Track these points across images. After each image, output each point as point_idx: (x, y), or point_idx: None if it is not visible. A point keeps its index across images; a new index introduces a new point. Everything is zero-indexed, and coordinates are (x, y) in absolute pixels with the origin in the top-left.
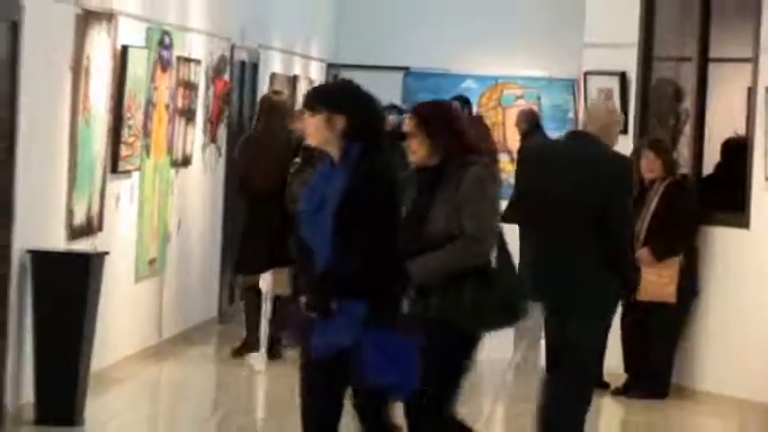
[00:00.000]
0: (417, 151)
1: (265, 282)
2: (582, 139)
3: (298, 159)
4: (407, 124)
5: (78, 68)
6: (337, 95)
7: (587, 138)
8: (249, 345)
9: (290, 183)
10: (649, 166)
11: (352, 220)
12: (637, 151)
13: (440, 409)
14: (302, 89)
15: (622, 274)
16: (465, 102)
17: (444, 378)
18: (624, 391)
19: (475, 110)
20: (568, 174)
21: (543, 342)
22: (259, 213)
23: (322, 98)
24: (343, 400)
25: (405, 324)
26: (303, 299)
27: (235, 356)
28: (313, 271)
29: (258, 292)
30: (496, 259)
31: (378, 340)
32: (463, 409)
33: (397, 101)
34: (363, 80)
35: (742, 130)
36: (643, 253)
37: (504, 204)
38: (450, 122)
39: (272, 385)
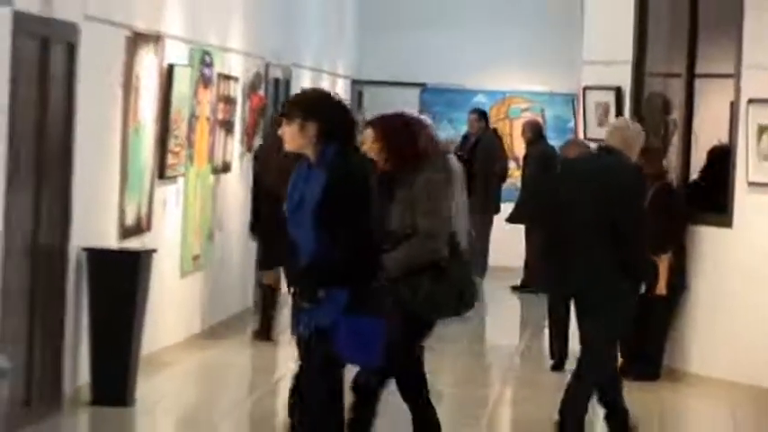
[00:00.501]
0: (378, 157)
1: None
2: (604, 153)
3: None
4: (369, 134)
5: (128, 85)
6: (309, 103)
7: (609, 151)
8: (261, 334)
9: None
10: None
11: (331, 216)
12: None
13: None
14: None
15: (637, 276)
16: (482, 114)
17: (400, 358)
18: (620, 374)
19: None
20: (587, 183)
21: (546, 331)
22: (274, 213)
23: (296, 106)
24: (333, 375)
25: (380, 309)
26: (293, 289)
27: (255, 339)
28: (298, 264)
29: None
30: (449, 254)
31: (352, 323)
32: (475, 392)
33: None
34: (384, 95)
35: (725, 140)
36: None
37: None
38: (404, 132)
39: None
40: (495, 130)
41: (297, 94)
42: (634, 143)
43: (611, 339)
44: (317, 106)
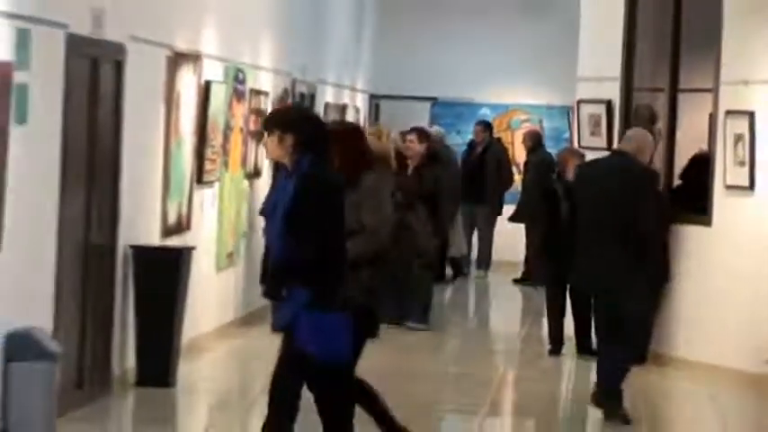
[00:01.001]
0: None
1: None
2: (619, 157)
3: None
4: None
5: (170, 100)
6: (286, 118)
7: (623, 155)
8: None
9: None
10: None
11: (297, 221)
12: None
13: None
14: (350, 115)
15: (652, 266)
16: (487, 125)
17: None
18: None
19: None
20: (606, 184)
21: (545, 320)
22: None
23: (274, 121)
24: (300, 368)
25: (343, 306)
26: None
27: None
28: (269, 264)
29: None
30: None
31: (314, 319)
32: (480, 373)
33: (426, 125)
34: (399, 108)
35: (705, 148)
36: None
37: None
38: (354, 142)
39: None
40: (499, 140)
41: (275, 110)
42: (647, 150)
43: (638, 321)
44: (293, 121)
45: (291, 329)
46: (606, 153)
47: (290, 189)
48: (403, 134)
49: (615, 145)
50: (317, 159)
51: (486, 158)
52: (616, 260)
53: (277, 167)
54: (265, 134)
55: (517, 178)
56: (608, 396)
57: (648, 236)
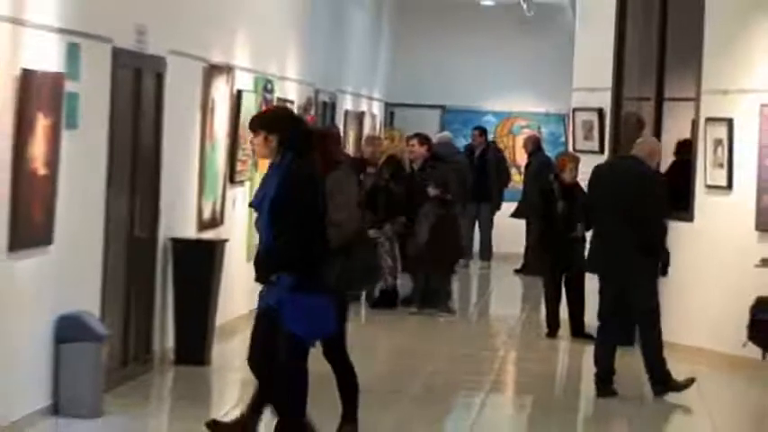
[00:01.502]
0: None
1: None
2: (630, 160)
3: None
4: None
5: (205, 107)
6: (271, 119)
7: (635, 159)
8: None
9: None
10: None
11: (282, 211)
12: None
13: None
14: (367, 122)
15: (657, 255)
16: (483, 131)
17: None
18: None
19: (492, 136)
20: (618, 185)
21: (542, 306)
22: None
23: (260, 122)
24: (285, 347)
25: (325, 288)
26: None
27: None
28: (258, 251)
29: None
30: (357, 239)
31: (299, 301)
32: (485, 353)
33: (437, 131)
34: (411, 115)
35: (688, 135)
36: None
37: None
38: (333, 141)
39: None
40: (495, 143)
41: (261, 113)
42: (655, 154)
43: (651, 302)
44: (277, 122)
45: (277, 311)
46: (605, 156)
47: (275, 182)
48: (407, 139)
49: (607, 148)
50: (300, 156)
51: (487, 160)
52: (625, 248)
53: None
54: (252, 135)
55: (518, 178)
56: (602, 376)
57: (654, 229)
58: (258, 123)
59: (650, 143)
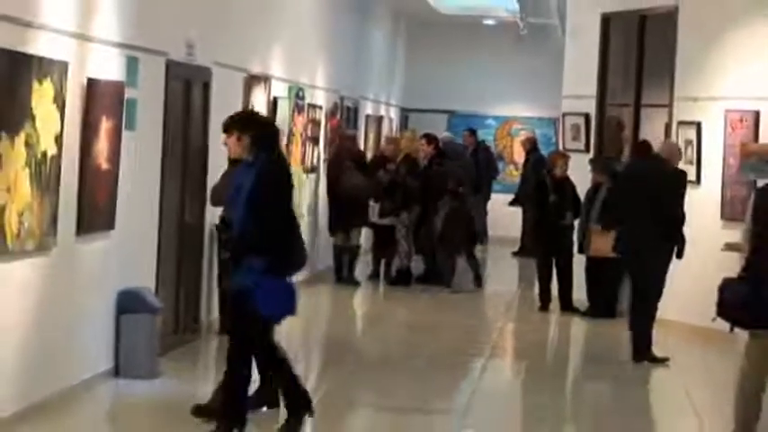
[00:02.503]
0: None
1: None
2: (656, 160)
3: (390, 167)
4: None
5: None
6: (243, 121)
7: (659, 159)
8: (339, 280)
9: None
10: (599, 172)
11: (258, 202)
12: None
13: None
14: (385, 125)
15: (676, 240)
16: (473, 132)
17: None
18: (587, 314)
19: (492, 137)
20: (646, 180)
21: (536, 284)
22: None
23: (234, 123)
24: (254, 327)
25: (292, 273)
26: (227, 256)
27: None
28: (231, 237)
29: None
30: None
31: (269, 284)
32: (484, 325)
33: (443, 132)
34: (423, 119)
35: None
36: (596, 226)
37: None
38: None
39: (366, 307)
40: (483, 143)
41: (234, 114)
42: (676, 154)
43: (662, 281)
44: (249, 123)
45: (247, 293)
46: (591, 154)
47: (251, 176)
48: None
49: (592, 148)
50: (270, 153)
51: (479, 158)
52: (649, 234)
53: (232, 163)
54: (225, 135)
55: (515, 173)
56: (639, 349)
57: (674, 219)
58: (231, 124)
59: (672, 145)
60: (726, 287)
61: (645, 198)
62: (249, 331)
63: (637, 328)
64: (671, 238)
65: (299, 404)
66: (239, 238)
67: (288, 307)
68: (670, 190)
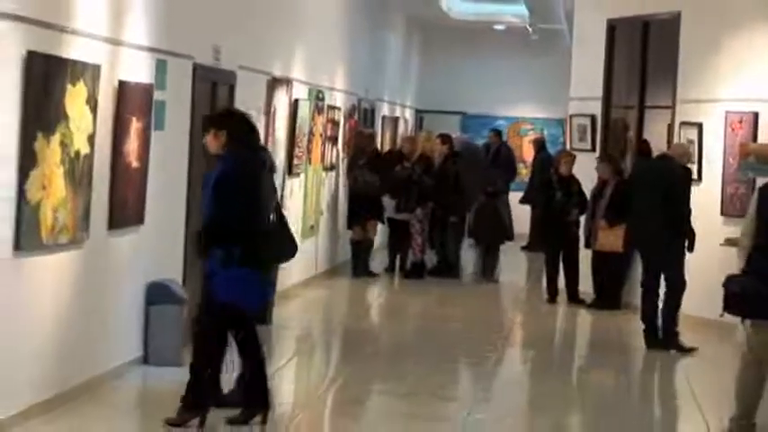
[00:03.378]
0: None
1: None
2: (668, 160)
3: (407, 164)
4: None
5: (269, 113)
6: (219, 119)
7: (671, 158)
8: (356, 273)
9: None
10: (604, 171)
11: (221, 193)
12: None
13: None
14: (401, 125)
15: (685, 234)
16: (498, 133)
17: None
18: (593, 305)
19: (505, 138)
20: (658, 178)
21: (544, 277)
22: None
23: (210, 122)
24: (216, 313)
25: (255, 264)
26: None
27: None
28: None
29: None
30: (273, 223)
31: (226, 273)
32: (496, 316)
33: (457, 132)
34: (437, 120)
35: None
36: (602, 222)
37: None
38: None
39: (382, 299)
40: (506, 143)
41: (211, 113)
42: (686, 154)
43: (682, 272)
44: (225, 121)
45: (208, 280)
46: (596, 153)
47: (220, 168)
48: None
49: (598, 147)
50: (245, 147)
51: (500, 157)
52: (660, 228)
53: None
54: (204, 133)
55: (525, 172)
56: (668, 333)
57: (684, 214)
58: (209, 122)
59: (682, 146)
60: (730, 282)
61: (657, 195)
62: (205, 316)
63: (664, 318)
64: (682, 232)
65: (259, 401)
66: (204, 227)
67: (247, 298)
68: (679, 187)
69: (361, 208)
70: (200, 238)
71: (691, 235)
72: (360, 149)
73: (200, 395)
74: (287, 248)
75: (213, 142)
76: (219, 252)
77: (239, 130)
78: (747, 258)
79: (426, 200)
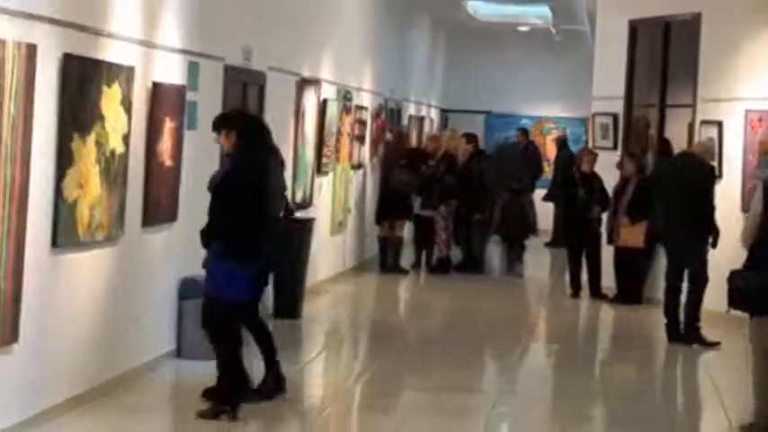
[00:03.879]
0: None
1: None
2: (690, 157)
3: (431, 163)
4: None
5: (298, 113)
6: (229, 119)
7: (693, 156)
8: (384, 269)
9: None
10: (627, 168)
11: (220, 191)
12: (622, 159)
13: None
14: (427, 125)
15: (708, 231)
16: (526, 131)
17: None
18: (615, 300)
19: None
20: (681, 176)
21: (567, 272)
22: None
23: (221, 122)
24: (210, 304)
25: (243, 259)
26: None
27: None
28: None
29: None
30: (281, 220)
31: (219, 267)
32: (519, 310)
33: (481, 132)
34: (462, 119)
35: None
36: (624, 219)
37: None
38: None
39: (409, 294)
40: (533, 142)
41: (222, 114)
42: (709, 152)
43: (705, 268)
44: (235, 121)
45: (207, 273)
46: (618, 151)
47: (226, 168)
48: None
49: (620, 146)
50: (252, 147)
51: (528, 155)
52: (684, 225)
53: None
54: (216, 134)
55: (548, 169)
56: (689, 327)
57: (707, 211)
58: (220, 123)
59: (705, 144)
60: (734, 278)
61: (679, 193)
62: (211, 316)
63: (686, 312)
64: (705, 229)
65: (230, 395)
66: (207, 223)
67: (233, 293)
68: (702, 185)
69: (391, 206)
70: (203, 236)
71: (714, 232)
72: (398, 149)
73: (231, 388)
74: (284, 248)
75: (225, 142)
76: (215, 247)
77: (248, 130)
78: (750, 253)
79: (449, 197)
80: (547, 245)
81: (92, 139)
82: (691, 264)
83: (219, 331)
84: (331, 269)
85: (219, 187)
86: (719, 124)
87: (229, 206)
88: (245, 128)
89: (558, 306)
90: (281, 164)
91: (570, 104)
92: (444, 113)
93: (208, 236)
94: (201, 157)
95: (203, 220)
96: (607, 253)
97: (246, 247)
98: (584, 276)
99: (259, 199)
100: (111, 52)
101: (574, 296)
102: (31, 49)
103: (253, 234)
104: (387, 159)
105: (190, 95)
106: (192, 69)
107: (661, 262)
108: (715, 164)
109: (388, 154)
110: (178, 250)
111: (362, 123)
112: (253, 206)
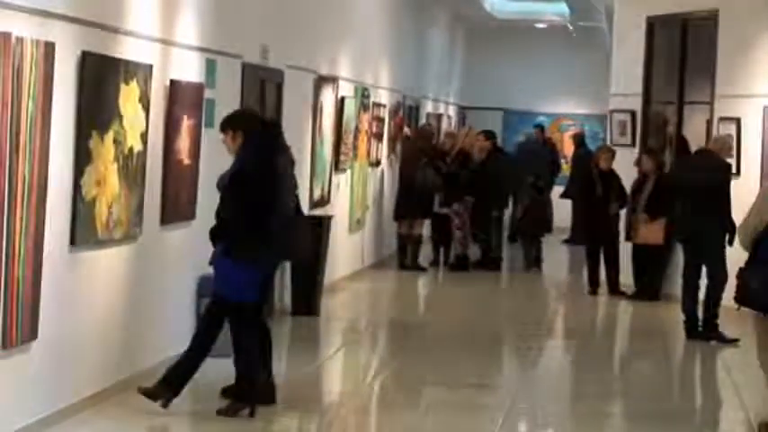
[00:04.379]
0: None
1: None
2: (707, 154)
3: (448, 159)
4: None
5: (315, 111)
6: (236, 120)
7: (710, 153)
8: (402, 266)
9: (427, 172)
10: (646, 165)
11: (227, 192)
12: (640, 156)
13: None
14: (444, 122)
15: (725, 227)
16: (542, 128)
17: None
18: (634, 297)
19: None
20: (698, 173)
21: (585, 269)
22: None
23: (227, 123)
24: (214, 300)
25: (243, 256)
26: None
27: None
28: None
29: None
30: (291, 219)
31: (223, 264)
32: (538, 307)
33: (498, 129)
34: (480, 116)
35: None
36: (643, 216)
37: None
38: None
39: (428, 291)
40: (550, 139)
41: (228, 115)
42: (726, 146)
43: (724, 265)
44: (240, 121)
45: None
46: (637, 148)
47: (234, 168)
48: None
49: (638, 143)
50: (258, 148)
51: (546, 153)
52: (703, 221)
53: None
54: (223, 135)
55: (565, 167)
56: (690, 323)
57: (725, 208)
58: (227, 124)
59: (723, 140)
60: (740, 276)
61: (697, 190)
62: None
63: (705, 309)
64: (723, 226)
65: (249, 393)
66: (216, 222)
67: (239, 293)
68: (719, 182)
69: (411, 204)
70: (211, 235)
71: (731, 229)
72: (425, 148)
73: (249, 386)
74: (294, 247)
75: (231, 143)
76: (220, 246)
77: (254, 131)
78: (753, 249)
79: (463, 194)
80: (565, 242)
81: (110, 136)
82: (709, 261)
83: (237, 331)
84: (349, 266)
85: (227, 187)
86: (738, 121)
87: (237, 206)
88: (251, 129)
89: (577, 303)
90: (292, 163)
91: (588, 101)
92: (462, 110)
93: (216, 236)
94: (219, 154)
95: None
96: (625, 250)
97: (254, 248)
98: (603, 273)
99: (267, 198)
100: (129, 50)
101: (592, 293)
102: (50, 48)
103: (260, 234)
104: (408, 157)
105: (208, 93)
106: (210, 67)
107: (679, 258)
108: (733, 160)
109: (409, 151)
110: (196, 248)
111: (380, 121)
112: (261, 205)
